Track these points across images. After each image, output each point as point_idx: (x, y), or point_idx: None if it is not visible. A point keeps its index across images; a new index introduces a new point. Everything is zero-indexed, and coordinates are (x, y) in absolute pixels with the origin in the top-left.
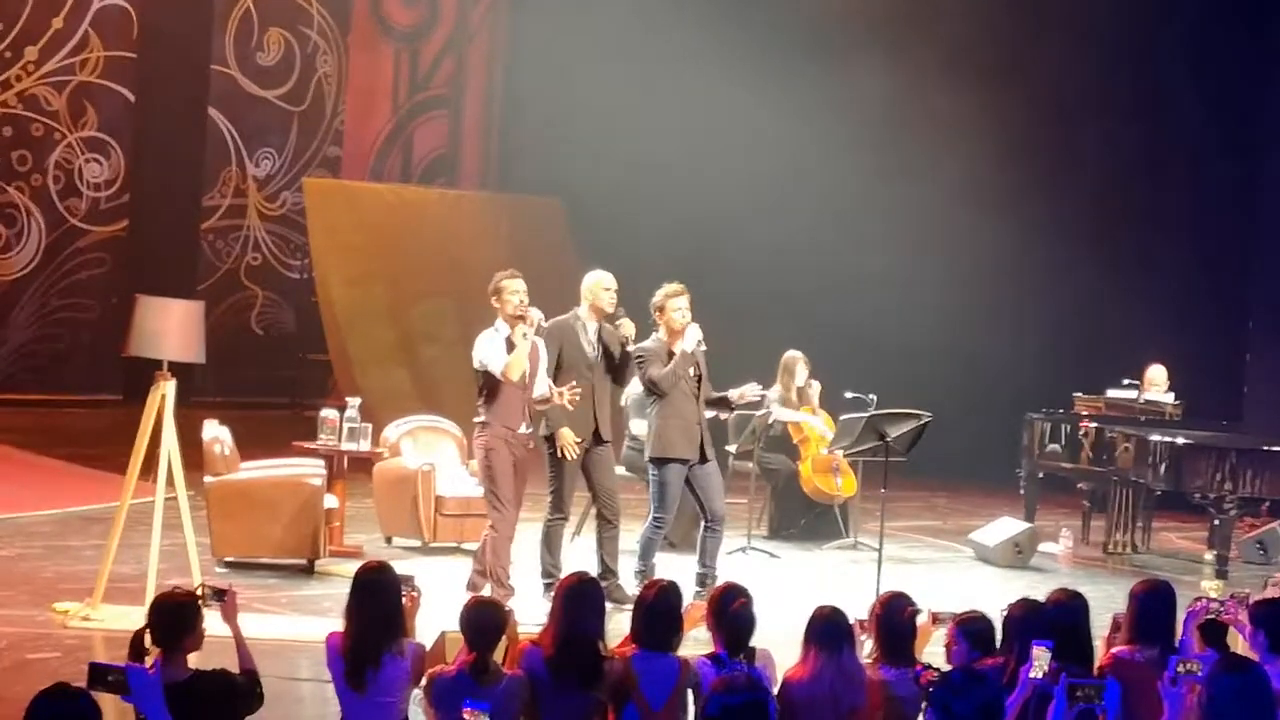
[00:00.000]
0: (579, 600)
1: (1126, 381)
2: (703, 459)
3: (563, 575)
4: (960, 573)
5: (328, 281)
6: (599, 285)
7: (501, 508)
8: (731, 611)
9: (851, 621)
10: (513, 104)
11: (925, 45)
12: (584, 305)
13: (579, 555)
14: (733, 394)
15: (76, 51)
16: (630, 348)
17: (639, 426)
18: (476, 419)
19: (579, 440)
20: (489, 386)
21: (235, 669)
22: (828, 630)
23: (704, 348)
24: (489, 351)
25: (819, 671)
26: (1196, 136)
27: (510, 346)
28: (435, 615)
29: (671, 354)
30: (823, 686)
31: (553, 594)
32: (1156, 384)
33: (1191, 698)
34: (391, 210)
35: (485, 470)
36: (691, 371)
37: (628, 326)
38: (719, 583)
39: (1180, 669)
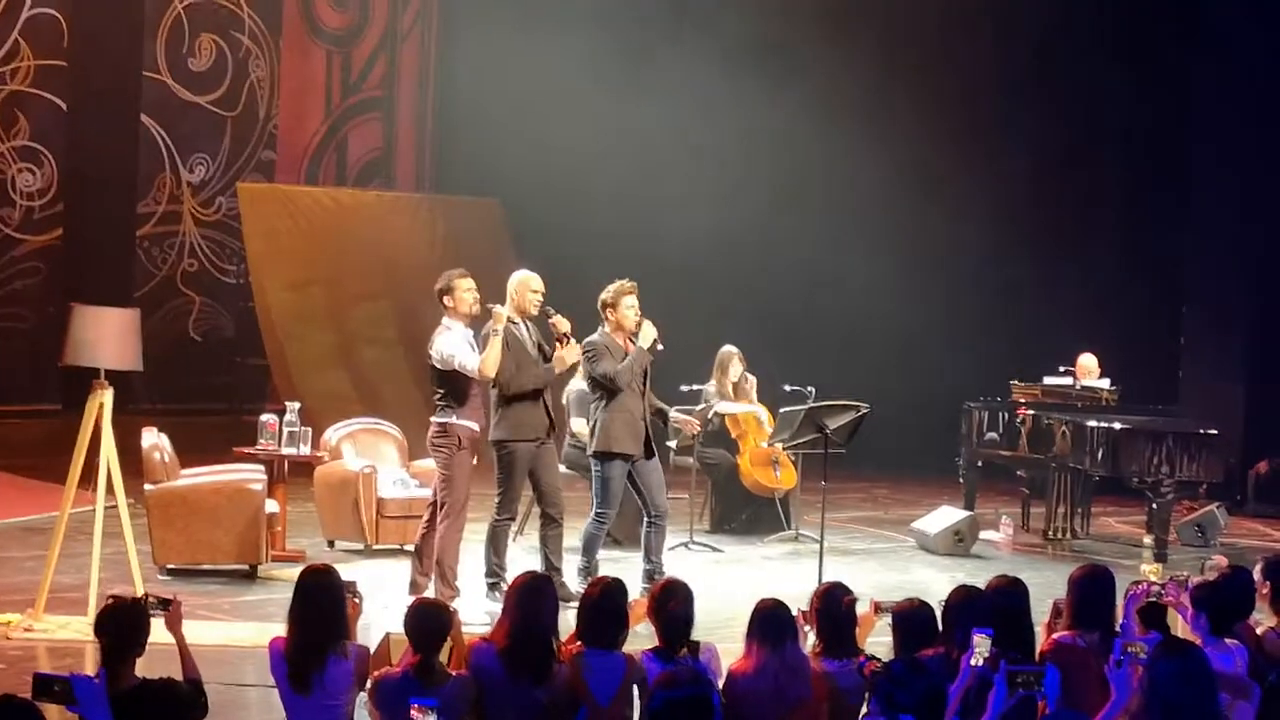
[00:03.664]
0: (534, 596)
1: (1063, 369)
2: (647, 454)
3: (508, 575)
4: (902, 562)
5: (264, 286)
6: (525, 286)
7: (455, 511)
8: (668, 611)
9: (794, 613)
10: (446, 104)
11: (857, 37)
12: (508, 304)
13: (521, 554)
14: (674, 417)
15: (7, 60)
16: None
17: (580, 425)
18: (436, 419)
19: (533, 439)
20: (453, 385)
21: (179, 677)
22: (770, 623)
23: (661, 347)
24: (458, 348)
25: (763, 665)
26: (1128, 123)
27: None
28: (378, 617)
29: (625, 350)
30: (767, 679)
31: (498, 594)
32: (1089, 371)
33: (1136, 680)
34: (327, 213)
35: (445, 472)
36: (639, 368)
37: (563, 323)
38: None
39: (1126, 651)
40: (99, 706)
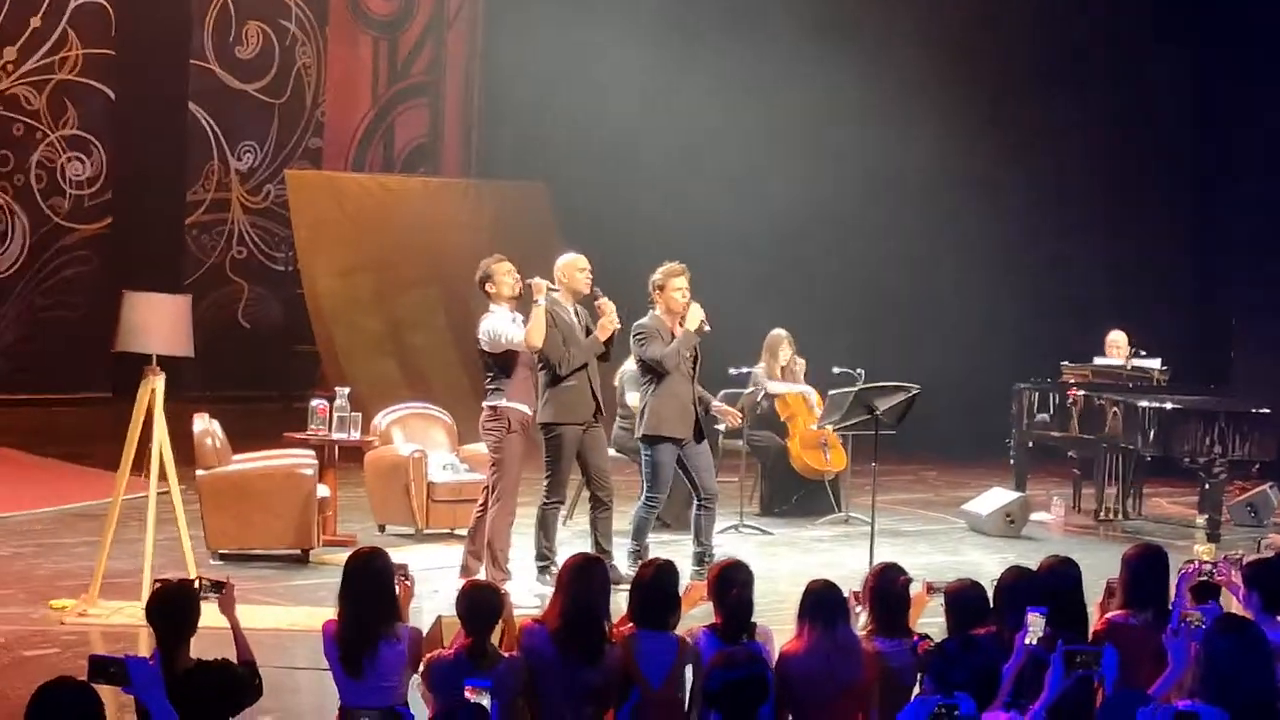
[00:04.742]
0: (584, 577)
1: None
2: (697, 437)
3: (557, 558)
4: (953, 544)
5: (313, 273)
6: (573, 267)
7: (506, 494)
8: (731, 597)
9: (846, 594)
10: (492, 89)
11: (895, 17)
12: (559, 290)
13: (571, 538)
14: (714, 407)
15: (55, 50)
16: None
17: (637, 399)
18: (487, 402)
19: (580, 422)
20: (502, 367)
21: (234, 659)
22: (821, 604)
23: (708, 329)
24: (504, 326)
25: (814, 646)
26: (1177, 104)
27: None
28: (430, 601)
29: (672, 332)
30: (818, 660)
31: (548, 576)
32: (1120, 347)
33: (1192, 650)
34: (375, 200)
35: (495, 455)
36: (687, 351)
37: (610, 310)
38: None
39: (1184, 620)
40: (154, 688)
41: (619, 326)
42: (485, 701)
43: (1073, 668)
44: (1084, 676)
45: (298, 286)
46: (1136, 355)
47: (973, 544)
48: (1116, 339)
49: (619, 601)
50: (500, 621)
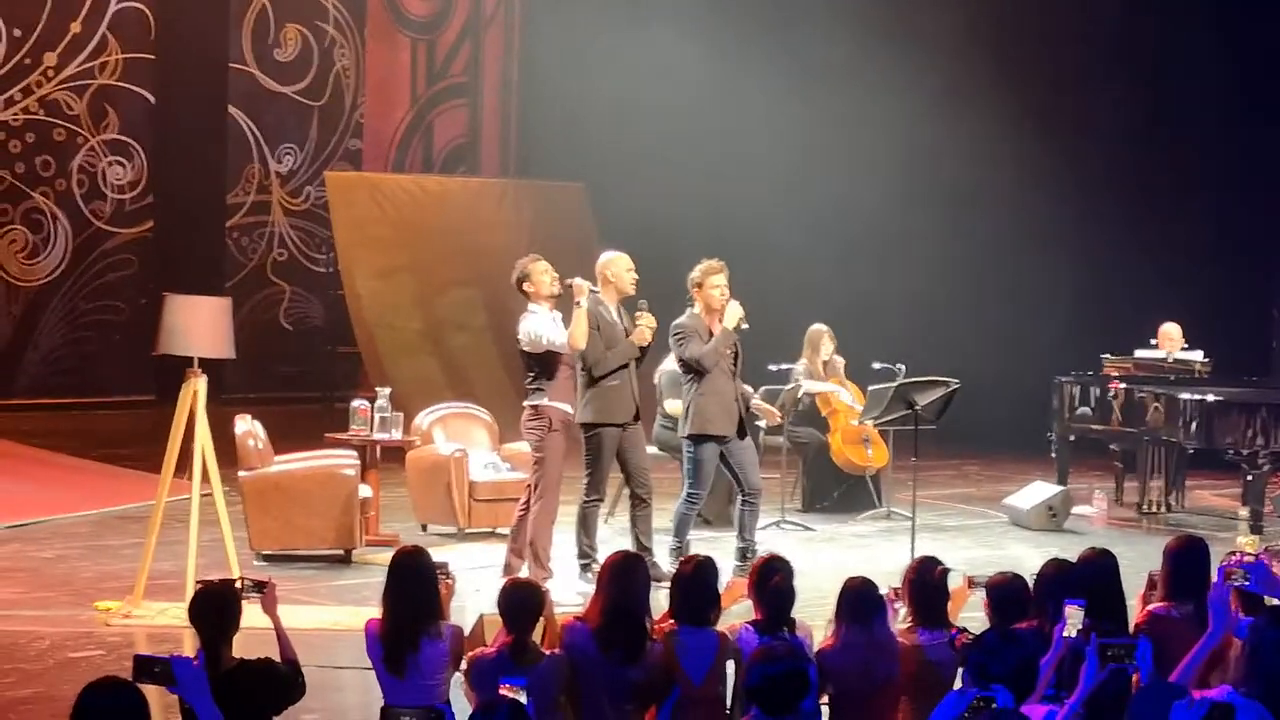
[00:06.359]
0: (625, 574)
1: (1153, 342)
2: (740, 434)
3: (599, 556)
4: (995, 538)
5: (353, 274)
6: (621, 266)
7: (548, 492)
8: (771, 587)
9: (884, 592)
10: (531, 90)
11: (942, 15)
12: (601, 287)
13: (612, 536)
14: (754, 405)
15: (95, 55)
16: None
17: (674, 405)
18: (529, 401)
19: (620, 423)
20: (543, 367)
21: (277, 659)
22: (858, 602)
23: (746, 326)
24: (545, 328)
25: (850, 643)
26: (1219, 93)
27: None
28: (472, 599)
29: (710, 330)
30: (855, 657)
31: (590, 574)
32: (1173, 339)
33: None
34: (414, 201)
35: (537, 454)
36: (726, 348)
37: (648, 319)
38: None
39: (1228, 577)
40: (199, 687)
41: (650, 341)
42: (522, 698)
43: (1106, 660)
44: (1118, 669)
45: (338, 288)
46: (1184, 348)
47: (1015, 538)
48: (1170, 330)
49: (660, 599)
50: (542, 619)
